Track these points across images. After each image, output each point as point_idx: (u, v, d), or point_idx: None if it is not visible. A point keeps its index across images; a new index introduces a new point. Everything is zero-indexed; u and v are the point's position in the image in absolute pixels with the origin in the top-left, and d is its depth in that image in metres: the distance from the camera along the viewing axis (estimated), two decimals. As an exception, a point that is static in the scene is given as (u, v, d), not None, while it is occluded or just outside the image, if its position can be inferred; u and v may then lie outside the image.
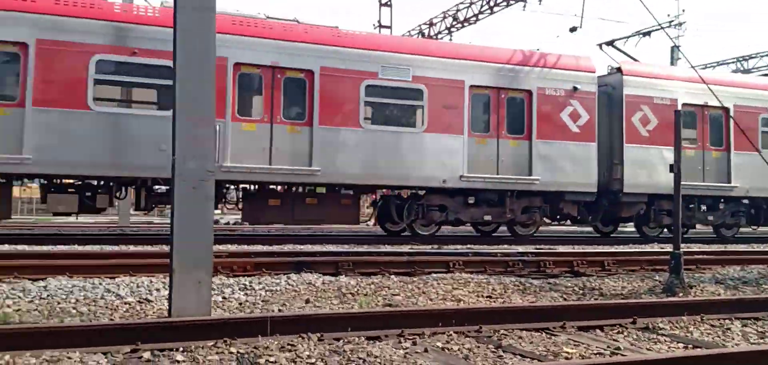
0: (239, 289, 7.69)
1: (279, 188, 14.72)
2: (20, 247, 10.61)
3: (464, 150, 14.84)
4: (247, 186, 14.42)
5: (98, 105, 12.41)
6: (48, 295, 6.94)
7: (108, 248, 10.89)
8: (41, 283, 7.42)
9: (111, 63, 12.51)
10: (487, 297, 7.96)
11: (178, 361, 4.56)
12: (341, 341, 5.22)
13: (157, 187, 13.44)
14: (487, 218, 15.69)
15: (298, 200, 14.34)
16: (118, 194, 13.34)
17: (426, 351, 5.13)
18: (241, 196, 14.60)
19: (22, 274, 7.81)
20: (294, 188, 14.48)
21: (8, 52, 11.97)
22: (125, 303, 6.77)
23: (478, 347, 5.31)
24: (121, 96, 13.61)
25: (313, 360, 4.71)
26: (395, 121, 14.73)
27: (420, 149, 14.50)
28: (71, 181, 13.09)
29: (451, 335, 5.57)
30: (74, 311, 6.37)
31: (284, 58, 13.60)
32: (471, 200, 15.44)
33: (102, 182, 13.04)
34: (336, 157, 13.83)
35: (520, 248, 12.27)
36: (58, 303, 6.64)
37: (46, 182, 13.00)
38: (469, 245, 13.49)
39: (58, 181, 13.00)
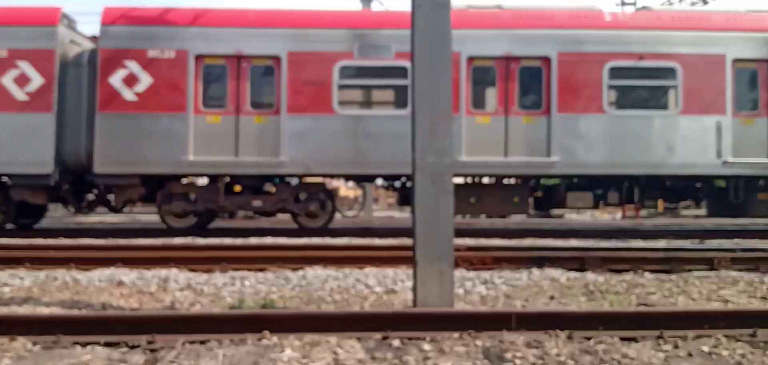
0: (480, 283, 7.64)
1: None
2: (281, 240, 11.73)
3: None
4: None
5: (611, 109, 13.32)
6: (306, 283, 7.53)
7: (356, 240, 11.58)
8: (300, 272, 8.07)
9: (622, 70, 13.32)
10: (761, 297, 6.95)
11: (426, 351, 4.62)
12: (592, 340, 4.89)
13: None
14: None
15: (751, 194, 13.88)
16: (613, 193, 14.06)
17: (690, 355, 4.62)
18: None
19: (284, 264, 8.57)
20: (749, 183, 13.98)
21: (533, 66, 13.33)
22: (373, 293, 7.09)
23: (753, 353, 4.67)
24: (626, 98, 13.97)
25: (562, 359, 4.47)
26: None
27: None
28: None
29: (718, 339, 4.94)
30: (329, 298, 6.83)
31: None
32: None
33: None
34: None
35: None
36: (315, 291, 7.16)
37: (563, 181, 14.17)
38: (736, 240, 12.02)
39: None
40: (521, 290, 7.35)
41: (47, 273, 7.97)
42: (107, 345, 4.71)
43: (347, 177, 14.60)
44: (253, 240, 11.49)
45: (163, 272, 8.08)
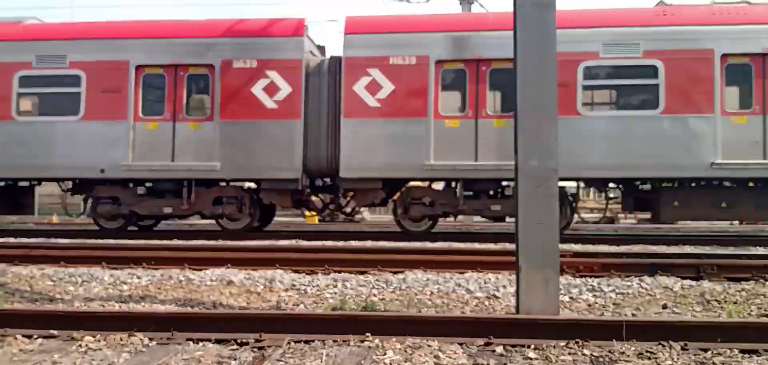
0: (587, 290, 7.37)
1: None
2: (382, 243, 11.83)
3: None
4: None
5: None
6: (406, 287, 7.54)
7: (456, 245, 11.49)
8: (400, 276, 8.09)
9: None
10: None
11: (531, 358, 4.50)
12: (709, 352, 4.59)
13: None
14: None
15: None
16: None
17: (823, 372, 4.23)
18: None
19: (384, 267, 8.61)
20: None
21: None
22: (475, 298, 7.00)
23: None
24: None
25: (677, 371, 4.22)
26: None
27: None
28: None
29: None
30: (430, 302, 6.81)
31: None
32: None
33: None
34: None
35: None
36: (415, 295, 7.16)
37: None
38: None
39: None
40: (631, 298, 7.03)
41: (163, 272, 8.42)
42: (218, 342, 4.90)
43: (588, 182, 14.13)
44: (354, 243, 11.66)
45: (269, 272, 8.34)
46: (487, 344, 4.79)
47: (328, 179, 14.37)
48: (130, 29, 14.07)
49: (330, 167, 13.53)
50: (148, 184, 14.12)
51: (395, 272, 8.31)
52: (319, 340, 4.85)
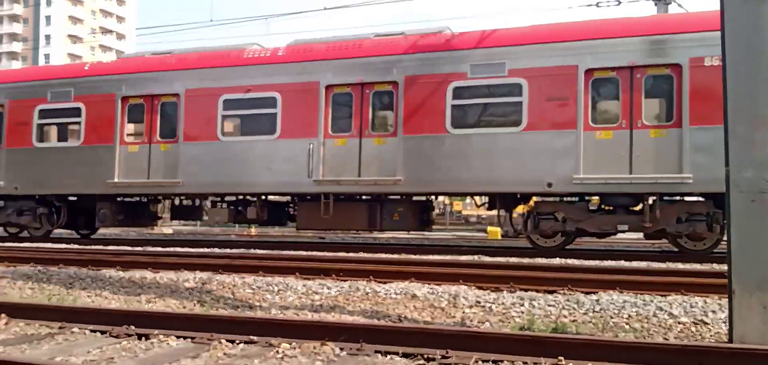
0: (815, 319, 6.42)
1: None
2: (570, 261, 11.28)
3: None
4: None
5: None
6: (600, 309, 7.07)
7: (655, 265, 10.63)
8: (593, 296, 7.61)
9: None
10: None
11: (753, 396, 3.96)
12: None
13: None
14: None
15: None
16: None
17: None
18: None
19: (575, 287, 8.16)
20: None
21: None
22: (678, 323, 6.37)
23: None
24: None
25: None
26: None
27: None
28: None
29: None
30: (627, 326, 6.31)
31: None
32: None
33: None
34: None
35: None
36: (611, 318, 6.68)
37: None
38: None
39: None
40: None
41: (350, 284, 8.70)
42: (405, 355, 4.89)
43: None
44: (541, 261, 11.24)
45: (452, 288, 8.28)
46: (697, 375, 4.31)
47: None
48: (578, 31, 12.98)
49: None
50: (586, 197, 13.16)
51: (587, 293, 7.84)
52: (507, 360, 4.66)
